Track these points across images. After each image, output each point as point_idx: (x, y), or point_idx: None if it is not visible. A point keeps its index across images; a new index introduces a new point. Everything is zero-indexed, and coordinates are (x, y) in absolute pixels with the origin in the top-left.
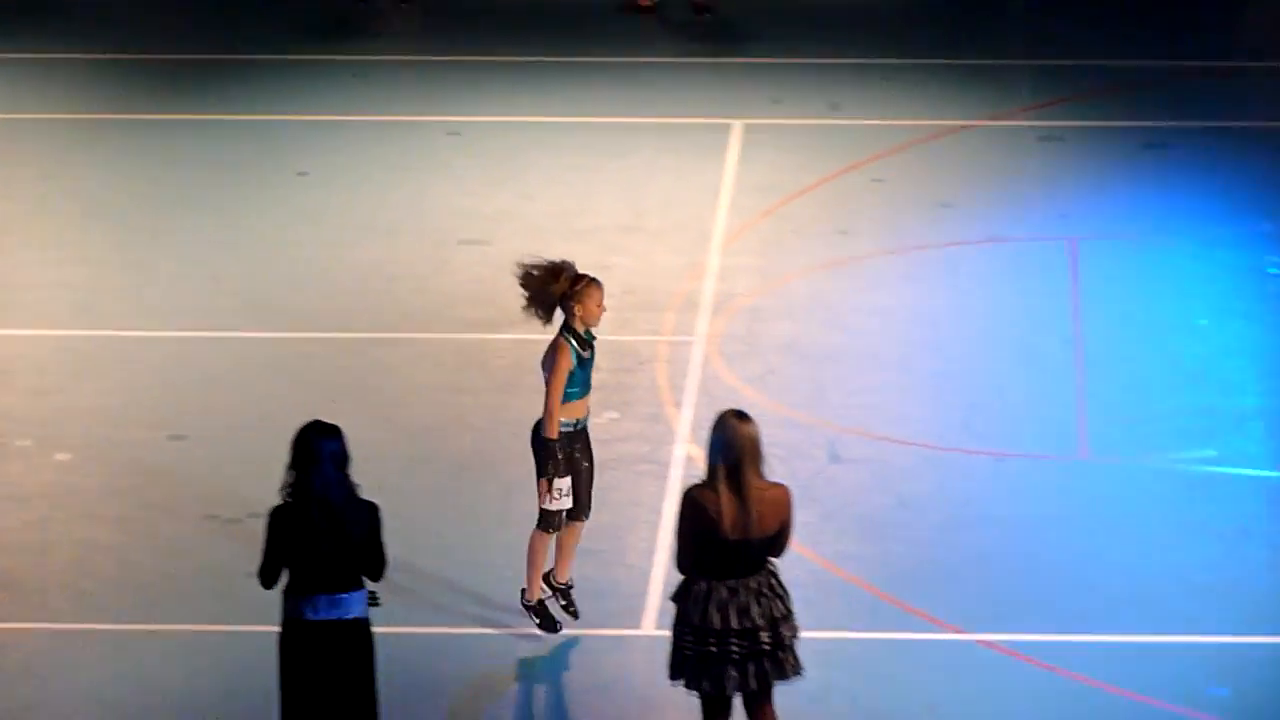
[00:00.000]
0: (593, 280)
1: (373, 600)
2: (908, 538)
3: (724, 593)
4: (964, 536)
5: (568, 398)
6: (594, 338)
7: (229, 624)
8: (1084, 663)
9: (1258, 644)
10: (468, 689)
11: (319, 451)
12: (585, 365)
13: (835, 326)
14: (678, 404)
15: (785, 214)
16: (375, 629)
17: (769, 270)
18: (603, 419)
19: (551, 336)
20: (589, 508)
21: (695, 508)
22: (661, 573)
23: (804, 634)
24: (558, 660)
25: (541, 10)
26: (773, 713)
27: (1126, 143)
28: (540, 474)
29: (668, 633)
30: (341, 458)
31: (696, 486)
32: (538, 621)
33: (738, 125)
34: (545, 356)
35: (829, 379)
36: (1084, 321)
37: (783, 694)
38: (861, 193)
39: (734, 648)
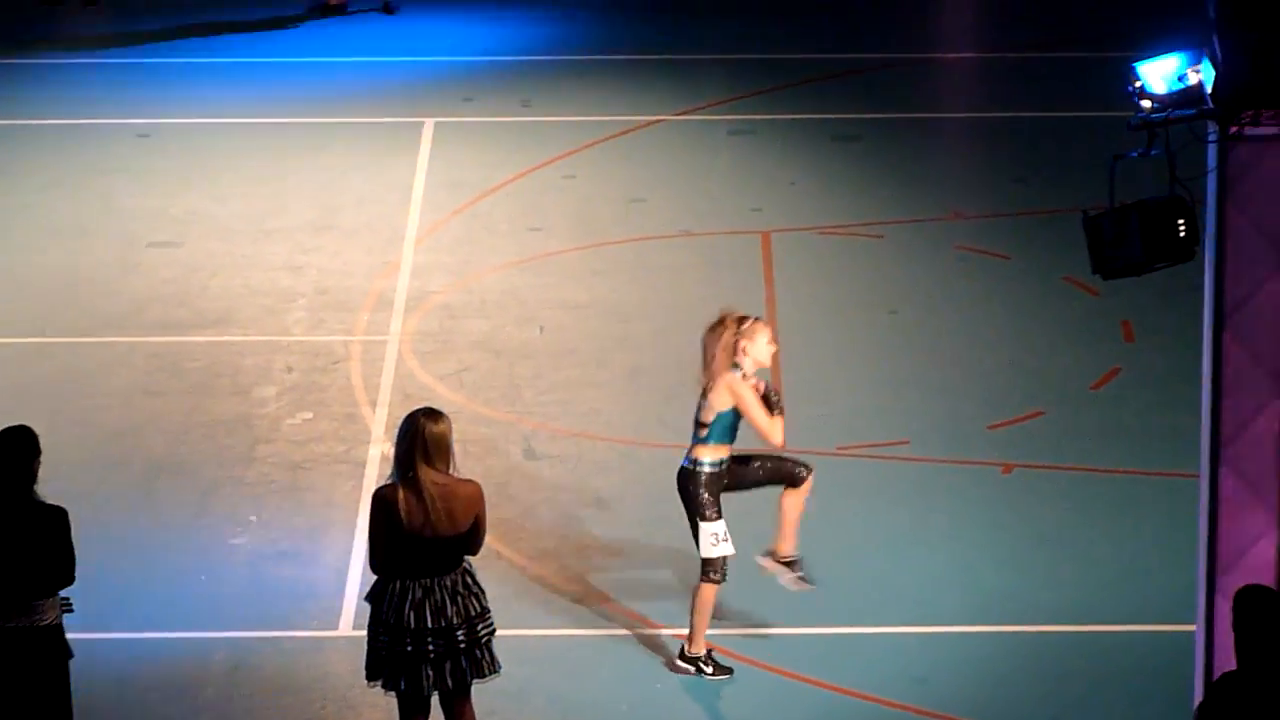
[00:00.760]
0: (758, 319)
1: (65, 606)
2: (605, 534)
3: (418, 592)
4: (661, 531)
5: (722, 438)
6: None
7: None
8: (782, 656)
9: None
10: (164, 693)
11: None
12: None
13: (529, 322)
14: (373, 403)
15: (478, 211)
16: (70, 635)
17: (462, 268)
18: (297, 420)
19: None
20: (797, 469)
21: (384, 507)
22: (359, 574)
23: (501, 632)
24: (255, 663)
25: (233, 9)
26: (470, 711)
27: (816, 135)
28: (698, 517)
29: (364, 633)
30: (24, 463)
31: (385, 485)
32: (710, 671)
33: (429, 123)
34: (711, 400)
35: (523, 375)
36: (777, 313)
37: (480, 692)
38: (553, 189)
39: (430, 647)
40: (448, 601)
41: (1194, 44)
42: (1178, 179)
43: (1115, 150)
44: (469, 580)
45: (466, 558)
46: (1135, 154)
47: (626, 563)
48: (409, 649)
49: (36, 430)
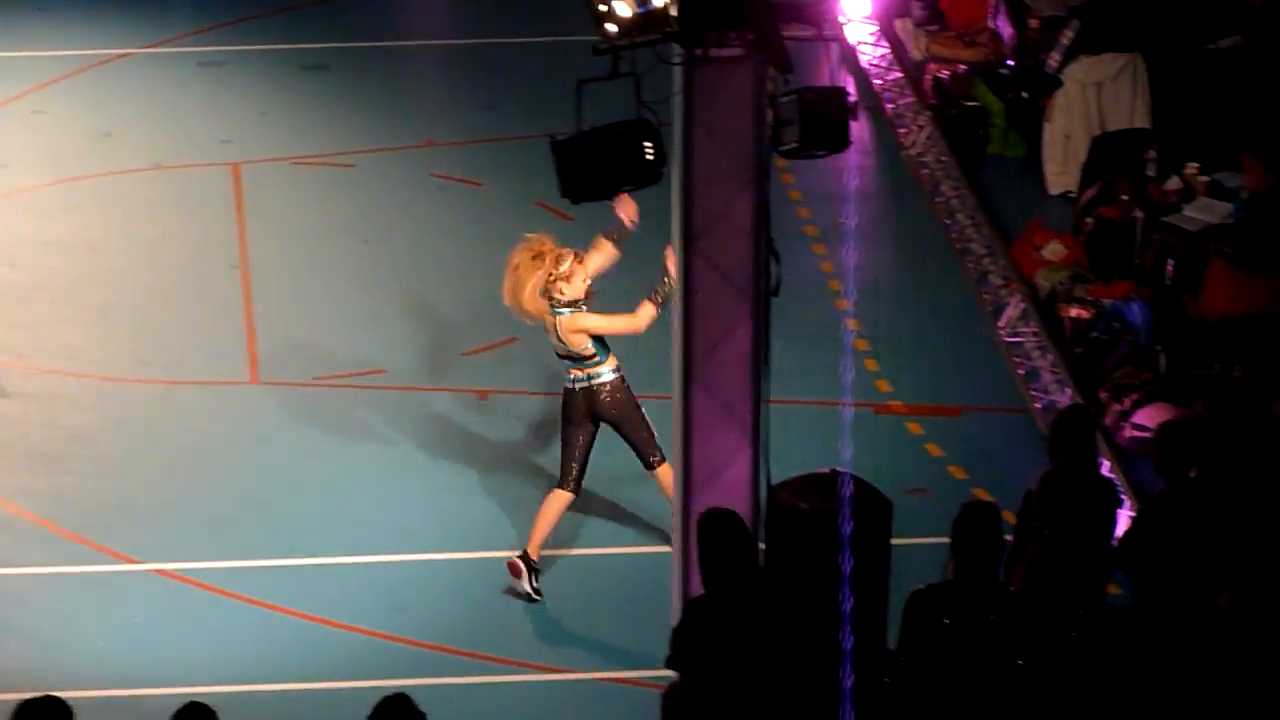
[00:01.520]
0: (565, 253)
1: None
2: (80, 470)
3: None
4: (137, 467)
5: (605, 351)
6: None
7: None
8: (260, 587)
9: (419, 561)
10: None
11: None
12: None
13: None
14: None
15: None
16: None
17: None
18: None
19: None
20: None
21: None
22: None
23: None
24: None
25: None
26: None
27: (287, 65)
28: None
29: None
30: None
31: None
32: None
33: None
34: (569, 339)
35: None
36: (249, 246)
37: None
38: (21, 125)
39: None
40: None
41: None
42: (644, 102)
43: (583, 74)
44: None
45: None
46: (602, 77)
47: (101, 499)
48: None
49: None
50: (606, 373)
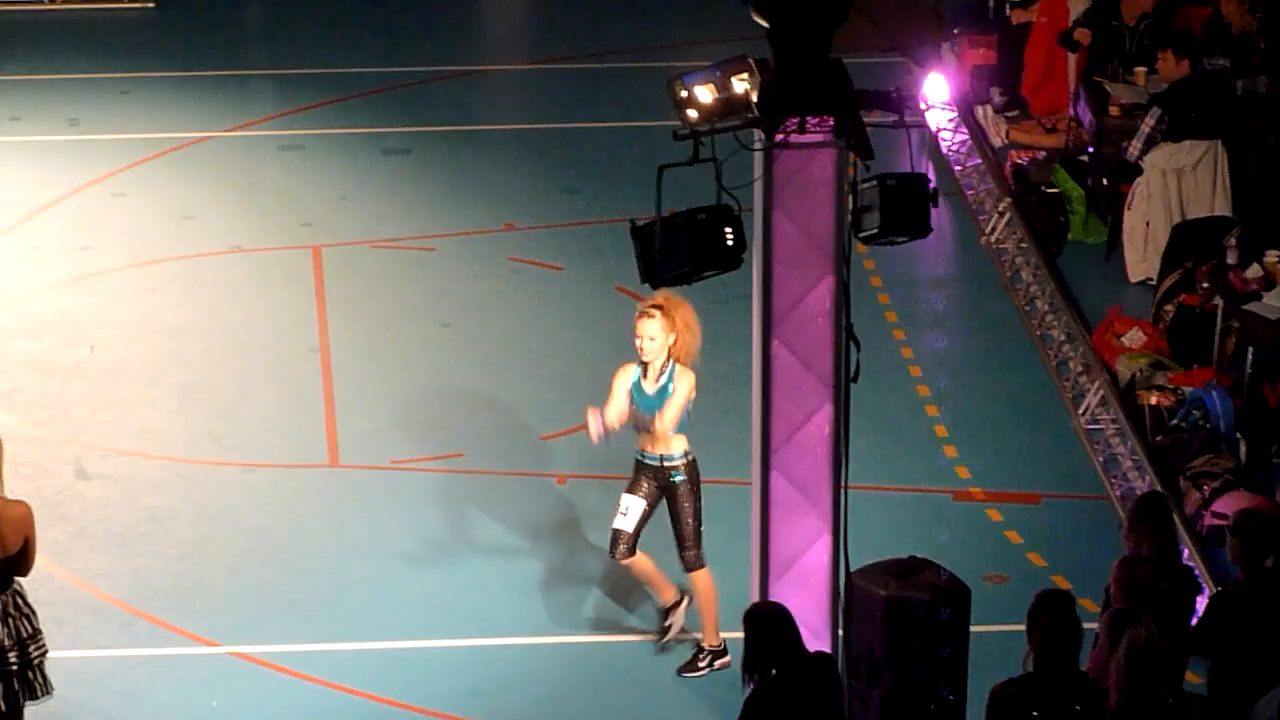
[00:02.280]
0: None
1: None
2: (158, 552)
3: None
4: (215, 549)
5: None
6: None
7: None
8: (337, 671)
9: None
10: None
11: None
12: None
13: (79, 342)
14: None
15: (27, 231)
16: None
17: (11, 289)
18: None
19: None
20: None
21: None
22: None
23: (54, 653)
24: None
25: None
26: None
27: (368, 149)
28: None
29: None
30: None
31: None
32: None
33: None
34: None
35: (74, 395)
36: (329, 329)
37: (33, 715)
38: (103, 208)
39: None
40: None
41: (739, 54)
42: (724, 187)
43: (663, 160)
44: (20, 601)
45: (17, 579)
46: (682, 163)
47: (179, 581)
48: None
49: None
50: None
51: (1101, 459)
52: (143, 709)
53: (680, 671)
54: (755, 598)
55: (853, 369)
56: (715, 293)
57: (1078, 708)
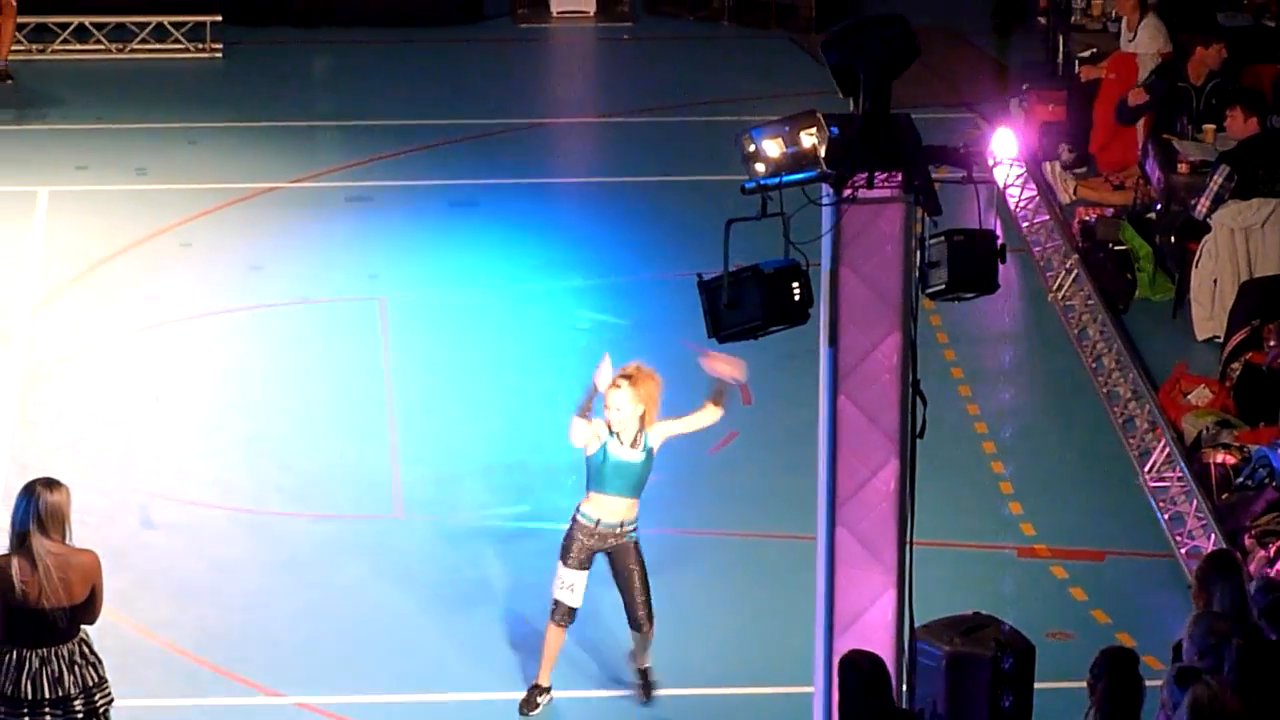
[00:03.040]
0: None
1: None
2: (223, 602)
3: (35, 662)
4: (280, 599)
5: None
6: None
7: None
8: None
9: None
10: None
11: None
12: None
13: (145, 391)
14: None
15: (94, 280)
16: None
17: (78, 337)
18: None
19: None
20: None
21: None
22: None
23: (119, 702)
24: None
25: None
26: None
27: (436, 200)
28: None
29: None
30: None
31: (1, 555)
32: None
33: (44, 192)
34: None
35: (140, 444)
36: (394, 381)
37: None
38: (170, 257)
39: (48, 717)
40: (65, 671)
41: (807, 108)
42: (792, 242)
43: (731, 214)
44: (86, 650)
45: (84, 627)
46: (750, 217)
47: (244, 631)
48: (26, 719)
49: None
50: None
51: (1167, 517)
52: None
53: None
54: (820, 653)
55: (919, 424)
56: (782, 348)
57: None
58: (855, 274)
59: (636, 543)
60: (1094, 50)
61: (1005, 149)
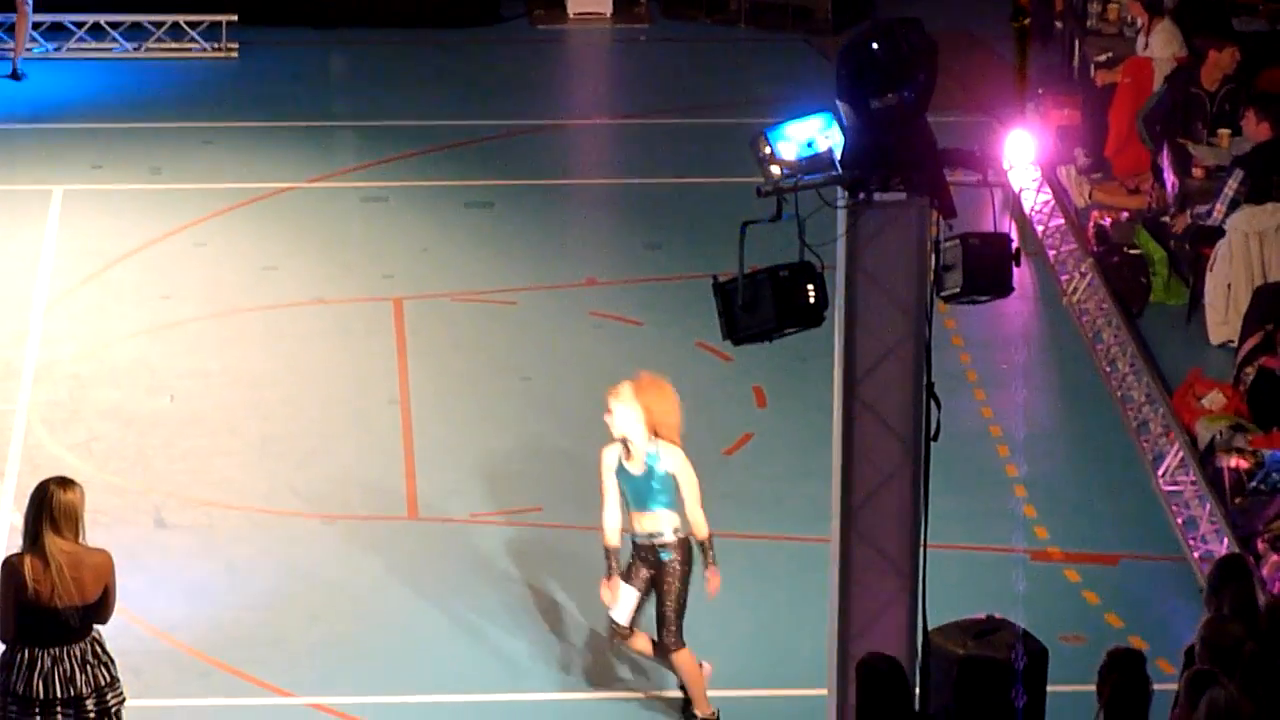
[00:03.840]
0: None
1: None
2: (237, 603)
3: (47, 661)
4: (293, 600)
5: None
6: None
7: None
8: None
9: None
10: None
11: None
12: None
13: (159, 391)
14: (1, 473)
15: (108, 279)
16: None
17: (92, 336)
18: None
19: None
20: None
21: (11, 575)
22: None
23: (132, 702)
24: None
25: None
26: None
27: (451, 201)
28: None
29: None
30: None
31: (15, 554)
32: None
33: (58, 191)
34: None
35: (154, 444)
36: (409, 381)
37: None
38: (185, 257)
39: (59, 716)
40: (77, 671)
41: (822, 111)
42: (807, 245)
43: (746, 216)
44: (99, 649)
45: (96, 627)
46: (766, 220)
47: (258, 631)
48: (38, 718)
49: None
50: None
51: (1180, 521)
52: None
53: None
54: (833, 656)
55: (933, 428)
56: (796, 351)
57: None
58: (869, 277)
59: (670, 563)
60: (1110, 55)
61: (1020, 153)
